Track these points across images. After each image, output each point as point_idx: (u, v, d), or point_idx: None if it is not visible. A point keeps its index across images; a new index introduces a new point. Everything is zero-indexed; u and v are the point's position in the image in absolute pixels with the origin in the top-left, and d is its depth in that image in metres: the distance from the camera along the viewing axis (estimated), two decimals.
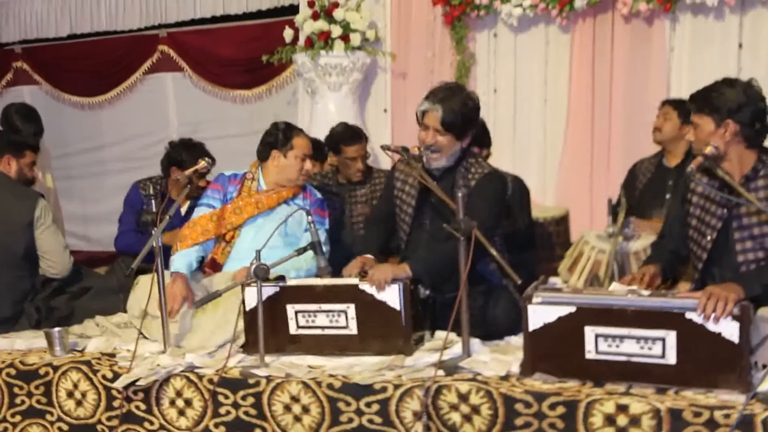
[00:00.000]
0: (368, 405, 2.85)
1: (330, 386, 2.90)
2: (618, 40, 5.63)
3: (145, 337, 3.39)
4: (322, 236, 3.61)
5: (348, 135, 4.69)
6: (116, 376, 3.15)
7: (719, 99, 2.91)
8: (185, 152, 4.45)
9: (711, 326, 2.58)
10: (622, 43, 5.62)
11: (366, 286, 3.09)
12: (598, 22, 5.66)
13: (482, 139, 4.46)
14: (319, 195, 3.88)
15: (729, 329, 2.57)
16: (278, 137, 3.71)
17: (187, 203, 4.19)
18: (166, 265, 3.45)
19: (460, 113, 3.30)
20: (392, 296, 3.06)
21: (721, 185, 2.94)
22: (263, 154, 3.74)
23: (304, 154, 3.72)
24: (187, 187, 3.46)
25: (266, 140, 3.74)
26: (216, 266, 3.65)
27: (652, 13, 5.47)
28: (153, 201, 3.33)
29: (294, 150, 3.70)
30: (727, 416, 2.44)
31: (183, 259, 3.51)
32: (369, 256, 3.40)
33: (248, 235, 3.64)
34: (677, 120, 4.38)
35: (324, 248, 3.42)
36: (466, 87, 3.65)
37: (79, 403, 3.22)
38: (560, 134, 5.89)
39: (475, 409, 2.73)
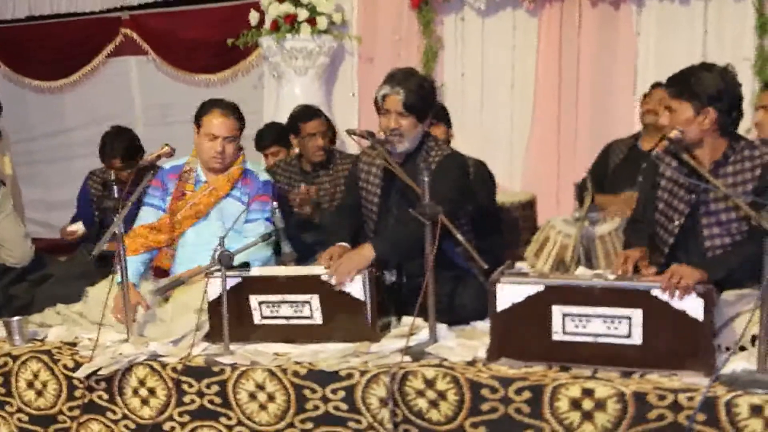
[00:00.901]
0: (334, 392, 2.83)
1: (295, 374, 2.87)
2: (585, 24, 5.65)
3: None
4: (263, 226, 3.49)
5: (305, 112, 4.65)
6: (78, 365, 3.09)
7: (699, 85, 2.86)
8: (107, 139, 4.43)
9: (676, 304, 2.59)
10: (589, 28, 5.64)
11: (327, 277, 3.05)
12: (566, 7, 5.68)
13: (446, 118, 4.46)
14: (262, 177, 3.65)
15: (693, 307, 2.58)
16: (198, 111, 3.53)
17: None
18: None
19: (420, 94, 3.29)
20: (356, 287, 3.03)
21: (690, 170, 2.93)
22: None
23: (213, 134, 3.48)
24: (150, 174, 3.38)
25: None
26: (162, 273, 3.56)
27: None
28: (114, 187, 3.26)
29: (203, 128, 3.50)
30: (690, 399, 2.46)
31: (128, 267, 3.31)
32: (344, 244, 3.35)
33: (189, 238, 3.54)
34: None
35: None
36: (419, 71, 3.63)
37: (39, 394, 3.16)
38: (527, 119, 5.90)
39: (442, 395, 2.72)
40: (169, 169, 3.61)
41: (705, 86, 2.86)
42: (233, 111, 3.56)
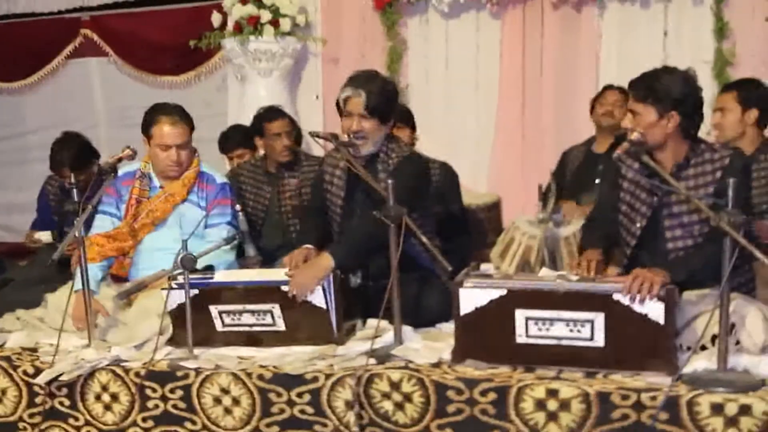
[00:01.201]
0: (300, 395, 2.82)
1: (260, 377, 2.85)
2: (548, 26, 5.70)
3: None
4: (225, 230, 3.47)
5: (269, 112, 4.61)
6: (38, 371, 3.04)
7: (663, 89, 2.87)
8: (55, 147, 4.41)
9: (637, 308, 2.61)
10: (552, 30, 5.69)
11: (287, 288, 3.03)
12: (528, 9, 5.72)
13: (410, 121, 4.47)
14: (220, 180, 3.61)
15: (655, 310, 2.61)
16: (144, 121, 3.48)
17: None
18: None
19: (382, 97, 3.29)
20: (317, 296, 3.02)
21: (651, 172, 2.93)
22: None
23: (166, 144, 3.43)
24: (111, 175, 3.33)
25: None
26: (119, 281, 3.53)
27: (580, 1, 5.55)
28: (74, 191, 3.21)
29: (154, 139, 3.45)
30: (653, 398, 2.49)
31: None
32: (310, 246, 3.33)
33: (148, 245, 3.51)
34: None
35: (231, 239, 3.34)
36: (383, 73, 3.62)
37: None
38: (492, 120, 5.93)
39: (407, 397, 2.73)
40: (122, 176, 3.53)
41: (669, 90, 2.87)
42: (181, 115, 3.50)
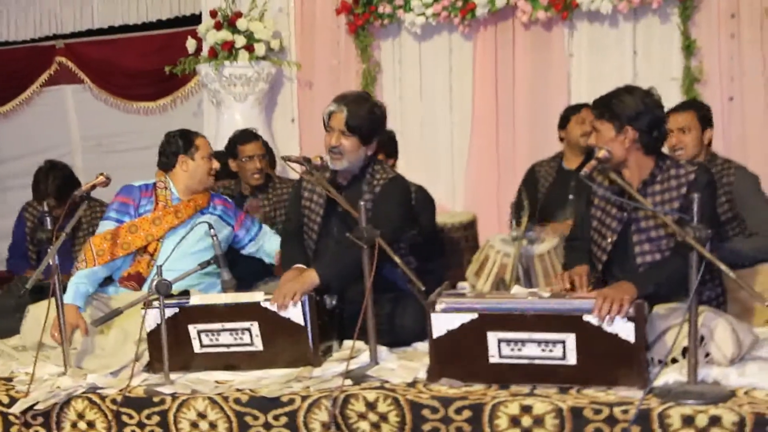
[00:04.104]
0: (276, 418, 2.82)
1: (237, 401, 2.86)
2: (519, 46, 5.75)
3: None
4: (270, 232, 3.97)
5: (242, 135, 4.63)
6: (13, 400, 3.03)
7: (619, 106, 2.99)
8: (40, 176, 4.45)
9: (608, 328, 2.64)
10: (523, 50, 5.75)
11: (269, 304, 3.06)
12: (500, 30, 5.77)
13: (390, 148, 4.49)
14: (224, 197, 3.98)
15: (625, 330, 2.64)
16: (179, 143, 3.72)
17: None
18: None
19: (366, 117, 3.33)
20: (296, 313, 3.04)
21: (620, 189, 3.00)
22: (169, 164, 3.73)
23: (209, 153, 3.77)
24: (84, 203, 3.34)
25: (168, 150, 3.73)
26: (140, 279, 3.58)
27: (550, 21, 5.61)
28: (47, 219, 3.22)
29: (200, 150, 3.73)
30: (625, 412, 2.52)
31: (73, 289, 3.40)
32: (302, 266, 3.35)
33: (167, 248, 3.55)
34: None
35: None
36: (374, 97, 3.65)
37: None
38: (466, 140, 5.97)
39: (383, 417, 2.74)
40: (140, 187, 3.74)
41: (624, 107, 2.99)
42: None
